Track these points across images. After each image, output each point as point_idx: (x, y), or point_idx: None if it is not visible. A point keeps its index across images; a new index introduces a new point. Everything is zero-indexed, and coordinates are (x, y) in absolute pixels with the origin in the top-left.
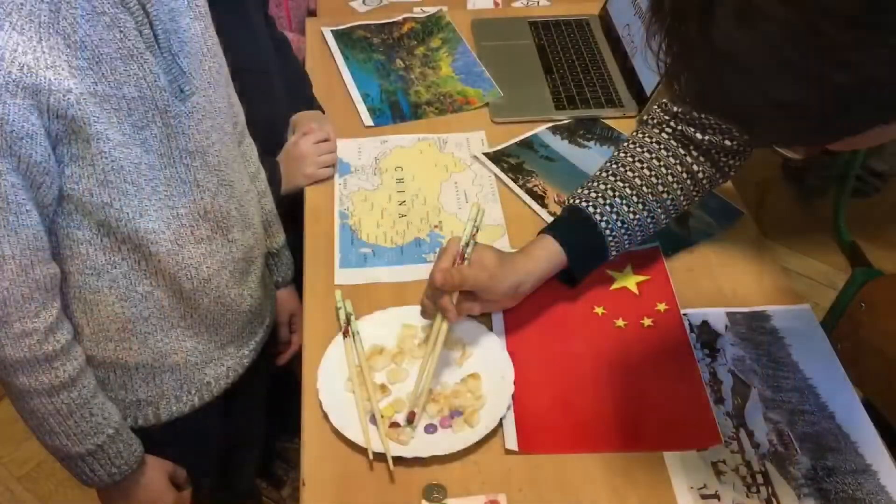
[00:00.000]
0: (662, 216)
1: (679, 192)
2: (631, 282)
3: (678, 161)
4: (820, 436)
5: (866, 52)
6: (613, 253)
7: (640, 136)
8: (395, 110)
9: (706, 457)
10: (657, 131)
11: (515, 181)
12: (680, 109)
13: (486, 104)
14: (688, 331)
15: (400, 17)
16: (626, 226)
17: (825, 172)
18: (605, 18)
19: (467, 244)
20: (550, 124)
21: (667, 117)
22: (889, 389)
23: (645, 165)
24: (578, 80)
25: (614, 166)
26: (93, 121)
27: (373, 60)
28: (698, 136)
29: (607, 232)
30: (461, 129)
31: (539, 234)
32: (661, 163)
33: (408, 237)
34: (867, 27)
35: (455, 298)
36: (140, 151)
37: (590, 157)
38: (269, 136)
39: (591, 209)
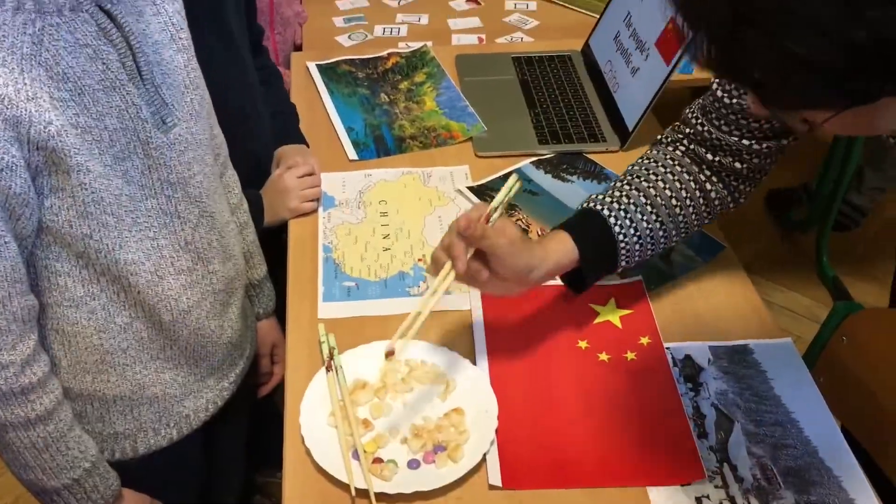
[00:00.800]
0: (673, 232)
1: (691, 210)
2: (614, 316)
3: (692, 178)
4: (803, 470)
5: (884, 11)
6: (623, 263)
7: (655, 152)
8: (380, 144)
9: (690, 491)
10: (671, 149)
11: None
12: (691, 130)
13: (470, 138)
14: (671, 364)
15: (385, 52)
16: (638, 233)
17: (807, 207)
18: (587, 54)
19: (496, 209)
20: (534, 159)
21: (679, 136)
22: (871, 423)
23: (660, 178)
24: (561, 115)
25: (629, 177)
26: (73, 152)
27: (357, 95)
28: (709, 156)
29: (620, 236)
30: (445, 163)
31: (553, 229)
32: (676, 178)
33: (392, 270)
34: None
35: (469, 255)
36: (121, 183)
37: (573, 192)
38: (254, 169)
39: (605, 212)
